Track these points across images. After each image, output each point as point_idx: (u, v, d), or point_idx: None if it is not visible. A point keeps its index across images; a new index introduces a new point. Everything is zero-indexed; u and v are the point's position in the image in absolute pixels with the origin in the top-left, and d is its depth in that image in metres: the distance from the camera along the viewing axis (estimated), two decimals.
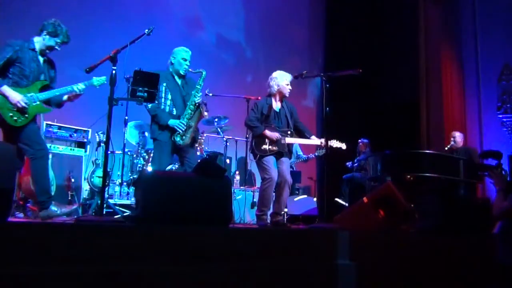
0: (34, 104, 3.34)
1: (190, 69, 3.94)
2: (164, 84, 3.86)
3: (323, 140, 4.10)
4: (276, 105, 4.32)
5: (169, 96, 3.87)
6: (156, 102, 3.76)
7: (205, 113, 3.90)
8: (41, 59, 3.48)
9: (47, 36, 3.42)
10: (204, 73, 3.89)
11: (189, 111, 3.83)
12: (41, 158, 3.38)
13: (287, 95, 4.35)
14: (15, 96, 3.24)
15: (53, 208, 3.35)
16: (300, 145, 6.98)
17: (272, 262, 2.21)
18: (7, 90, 3.23)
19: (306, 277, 2.26)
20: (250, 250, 2.20)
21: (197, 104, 3.85)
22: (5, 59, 3.27)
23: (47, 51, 3.48)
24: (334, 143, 4.26)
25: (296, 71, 4.37)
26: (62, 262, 1.75)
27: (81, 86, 3.46)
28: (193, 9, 7.62)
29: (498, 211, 2.94)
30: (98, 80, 3.52)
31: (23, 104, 3.25)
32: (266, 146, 4.14)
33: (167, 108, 3.86)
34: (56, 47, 3.47)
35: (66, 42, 3.50)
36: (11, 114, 3.24)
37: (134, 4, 6.96)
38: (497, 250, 2.96)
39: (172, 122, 3.76)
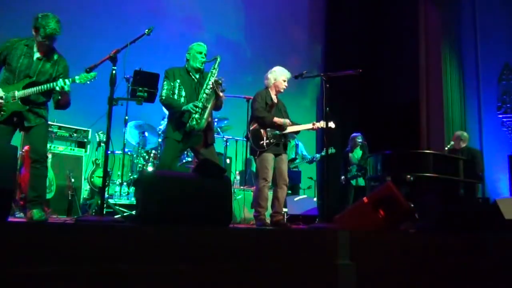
0: (13, 101, 3.21)
1: (205, 60, 3.84)
2: (178, 81, 3.78)
3: (315, 122, 4.30)
4: (273, 97, 4.37)
5: (183, 93, 3.77)
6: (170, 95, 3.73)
7: (221, 93, 3.71)
8: (36, 55, 3.31)
9: (34, 32, 3.26)
10: (218, 58, 3.80)
11: (204, 94, 3.72)
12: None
13: (282, 91, 4.38)
14: None
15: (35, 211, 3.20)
16: (304, 146, 7.00)
17: (272, 262, 2.21)
18: None
19: (306, 277, 2.26)
20: (250, 250, 2.20)
21: (212, 86, 3.70)
22: None
23: (43, 46, 3.29)
24: (322, 124, 4.18)
25: (296, 71, 4.38)
26: (62, 262, 1.75)
27: (60, 83, 3.24)
28: (193, 9, 7.63)
29: None
30: (85, 76, 3.28)
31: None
32: (263, 141, 4.16)
33: None
34: (45, 41, 3.25)
35: (54, 34, 3.23)
36: None
37: (134, 4, 6.97)
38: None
39: (186, 106, 3.66)
